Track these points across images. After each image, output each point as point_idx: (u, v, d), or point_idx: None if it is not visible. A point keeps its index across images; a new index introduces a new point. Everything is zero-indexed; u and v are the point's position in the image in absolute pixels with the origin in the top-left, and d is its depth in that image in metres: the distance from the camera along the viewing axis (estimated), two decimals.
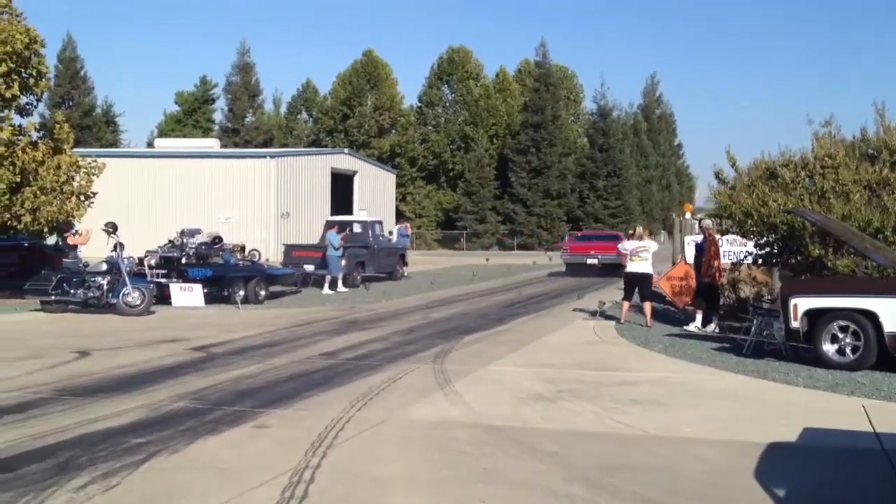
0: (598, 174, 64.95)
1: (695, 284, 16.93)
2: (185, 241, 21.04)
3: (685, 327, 15.98)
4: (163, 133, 73.47)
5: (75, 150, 23.46)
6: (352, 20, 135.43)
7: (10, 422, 7.97)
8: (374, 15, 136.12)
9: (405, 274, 29.74)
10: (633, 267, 16.59)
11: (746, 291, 19.27)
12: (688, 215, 22.00)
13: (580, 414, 8.49)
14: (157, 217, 38.07)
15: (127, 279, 17.49)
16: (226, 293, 20.34)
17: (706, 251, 16.32)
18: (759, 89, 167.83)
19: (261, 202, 41.47)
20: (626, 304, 16.73)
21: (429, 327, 15.87)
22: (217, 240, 22.53)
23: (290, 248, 27.29)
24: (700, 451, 7.10)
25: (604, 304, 18.05)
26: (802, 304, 11.30)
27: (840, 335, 11.09)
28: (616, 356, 12.47)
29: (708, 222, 17.99)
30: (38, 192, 20.31)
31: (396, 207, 59.65)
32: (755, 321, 12.79)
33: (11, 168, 19.55)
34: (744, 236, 16.22)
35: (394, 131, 72.75)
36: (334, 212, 45.28)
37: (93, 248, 20.51)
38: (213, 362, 11.61)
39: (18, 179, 19.77)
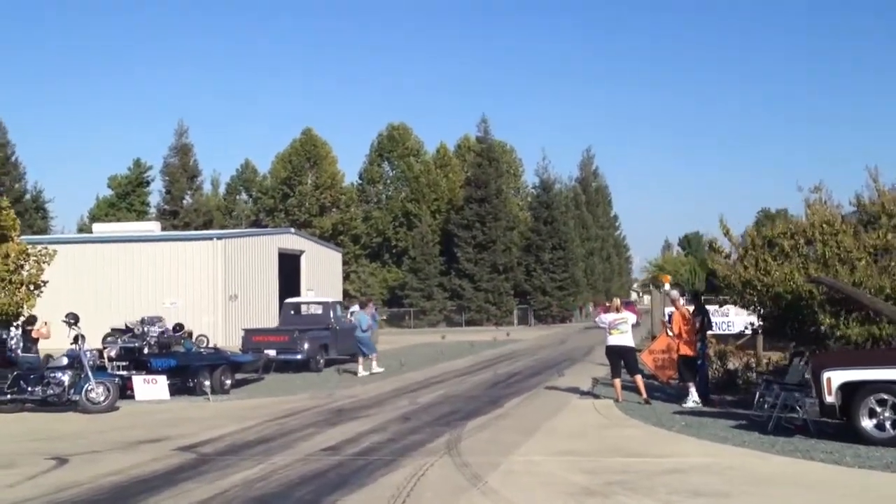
0: (543, 247, 64.96)
1: (676, 357, 16.43)
2: (146, 329, 19.90)
3: (683, 404, 15.36)
4: (95, 218, 71.46)
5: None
6: (290, 100, 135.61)
7: None
8: (313, 94, 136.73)
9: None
10: (613, 340, 16.05)
11: (735, 363, 18.85)
12: (667, 286, 21.63)
13: None
14: (100, 305, 36.46)
15: (90, 374, 16.26)
16: (191, 384, 19.14)
17: (674, 323, 15.88)
18: (695, 160, 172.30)
19: (208, 285, 40.26)
20: (617, 382, 16.10)
21: (423, 413, 14.96)
22: (178, 327, 21.42)
23: (250, 333, 26.09)
24: None
25: (597, 381, 17.41)
26: (836, 377, 10.78)
27: (878, 409, 10.57)
28: (639, 440, 11.75)
29: (675, 293, 17.60)
30: None
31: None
32: (779, 396, 12.18)
33: None
34: (744, 307, 15.80)
35: (335, 210, 72.17)
36: (282, 293, 44.20)
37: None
38: (209, 465, 10.55)
39: None
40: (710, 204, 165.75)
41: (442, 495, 8.55)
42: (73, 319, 16.67)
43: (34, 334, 17.56)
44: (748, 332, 16.74)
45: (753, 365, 18.59)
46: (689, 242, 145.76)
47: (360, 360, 23.37)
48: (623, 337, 15.94)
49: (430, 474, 9.59)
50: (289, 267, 47.97)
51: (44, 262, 21.28)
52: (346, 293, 60.12)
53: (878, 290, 12.98)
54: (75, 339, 16.64)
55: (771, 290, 14.25)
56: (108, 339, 25.59)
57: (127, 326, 26.01)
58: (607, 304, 18.16)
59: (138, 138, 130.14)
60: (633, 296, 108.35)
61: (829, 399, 10.78)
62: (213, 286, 40.21)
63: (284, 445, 11.84)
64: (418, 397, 17.50)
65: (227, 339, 35.61)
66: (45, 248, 21.51)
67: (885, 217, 14.45)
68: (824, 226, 14.57)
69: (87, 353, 16.60)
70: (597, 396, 16.66)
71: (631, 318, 16.34)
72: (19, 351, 18.17)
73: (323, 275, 51.83)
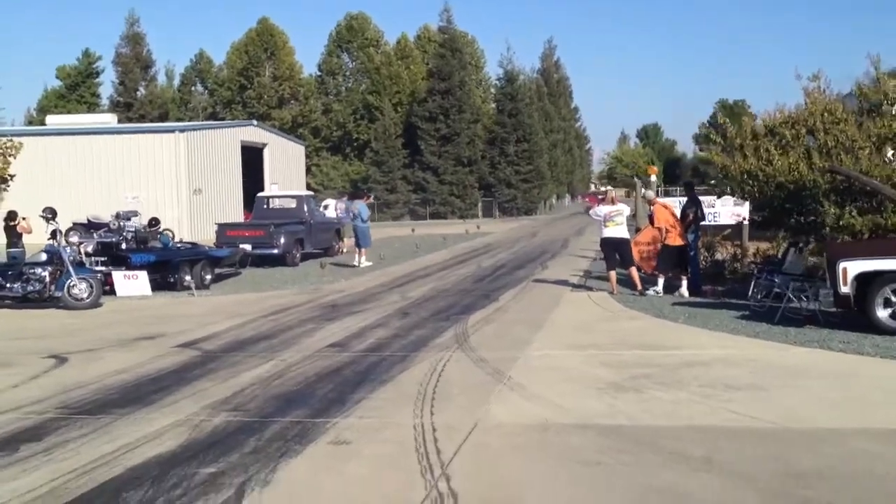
0: (507, 140, 64.38)
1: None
2: (122, 224, 19.28)
3: (646, 292, 15.37)
4: (44, 110, 69.28)
5: None
6: None
7: (32, 454, 6.55)
8: None
9: (344, 250, 28.31)
10: (608, 232, 15.91)
11: (722, 254, 18.85)
12: (653, 178, 21.40)
13: (683, 404, 7.59)
14: (59, 199, 35.31)
15: (72, 269, 15.74)
16: (171, 279, 18.70)
17: (656, 218, 15.78)
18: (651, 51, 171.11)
19: (170, 179, 39.20)
20: (612, 274, 15.99)
21: (419, 308, 14.73)
22: (154, 221, 20.83)
23: (224, 227, 25.58)
24: (861, 445, 6.31)
25: (589, 273, 17.29)
26: (853, 267, 10.65)
27: (894, 299, 10.53)
28: (648, 332, 11.66)
29: (651, 194, 17.47)
30: None
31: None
32: (782, 286, 12.12)
33: None
34: (742, 197, 15.64)
35: (294, 102, 70.56)
36: (246, 187, 43.43)
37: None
38: (217, 362, 10.24)
39: None
40: (666, 95, 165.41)
41: (470, 391, 8.35)
42: (50, 214, 16.07)
43: (19, 229, 16.92)
44: (745, 222, 16.61)
45: (740, 256, 18.62)
46: (648, 133, 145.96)
47: (360, 250, 23.25)
48: (618, 229, 15.78)
49: (448, 370, 9.39)
50: (252, 160, 46.93)
51: (10, 156, 20.45)
52: (308, 186, 59.31)
53: (886, 179, 12.82)
54: (53, 234, 16.06)
55: (772, 181, 14.06)
56: (70, 232, 24.91)
57: (90, 221, 25.31)
58: (601, 196, 17.95)
59: (87, 27, 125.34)
60: (591, 187, 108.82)
61: (845, 289, 10.68)
62: (177, 180, 39.19)
63: (287, 342, 11.56)
64: (408, 292, 17.28)
65: (193, 234, 34.97)
66: (11, 139, 20.61)
67: (887, 104, 14.20)
68: (825, 114, 14.33)
69: (68, 249, 16.06)
70: (590, 289, 16.59)
71: (626, 209, 16.15)
72: None
73: (286, 168, 50.91)
